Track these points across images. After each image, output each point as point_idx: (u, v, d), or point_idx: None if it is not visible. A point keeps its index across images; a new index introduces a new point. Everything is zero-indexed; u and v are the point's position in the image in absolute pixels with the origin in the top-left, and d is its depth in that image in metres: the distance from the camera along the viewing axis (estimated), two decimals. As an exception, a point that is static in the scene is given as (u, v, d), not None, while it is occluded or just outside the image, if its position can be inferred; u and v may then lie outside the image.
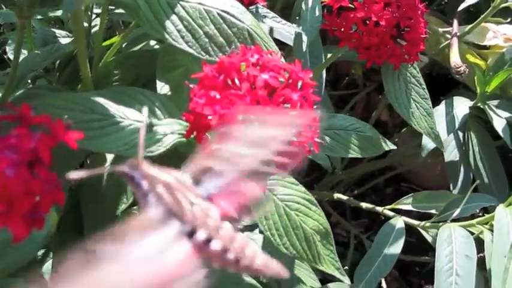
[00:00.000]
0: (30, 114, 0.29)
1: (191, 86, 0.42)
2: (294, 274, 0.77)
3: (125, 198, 0.57)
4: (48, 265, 0.57)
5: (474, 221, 0.71)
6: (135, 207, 0.58)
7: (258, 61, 0.37)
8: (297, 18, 0.76)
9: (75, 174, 0.28)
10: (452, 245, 0.67)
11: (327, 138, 0.66)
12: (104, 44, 0.70)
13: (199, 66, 0.52)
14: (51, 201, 0.27)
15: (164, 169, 0.31)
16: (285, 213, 0.45)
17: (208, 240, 0.30)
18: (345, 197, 0.92)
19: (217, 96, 0.36)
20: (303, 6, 0.74)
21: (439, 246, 0.68)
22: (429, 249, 1.20)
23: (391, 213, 0.82)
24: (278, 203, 0.46)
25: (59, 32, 0.80)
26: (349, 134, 0.71)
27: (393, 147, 0.75)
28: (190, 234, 0.30)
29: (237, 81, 0.36)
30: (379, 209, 0.85)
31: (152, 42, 0.74)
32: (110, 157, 0.57)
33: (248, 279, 0.76)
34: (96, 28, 0.72)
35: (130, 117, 0.43)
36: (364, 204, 0.88)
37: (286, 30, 0.60)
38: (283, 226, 0.45)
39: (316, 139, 0.37)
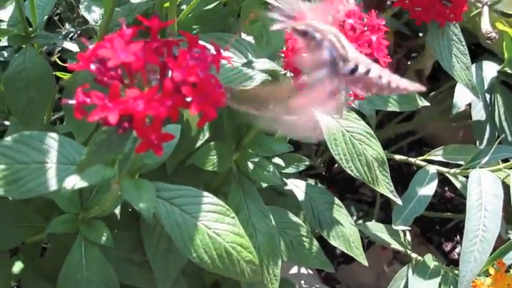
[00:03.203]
0: (195, 39, 0.39)
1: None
2: (333, 216, 0.86)
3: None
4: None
5: (501, 166, 0.80)
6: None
7: (344, 10, 0.46)
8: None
9: None
10: (481, 186, 0.75)
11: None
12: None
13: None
14: (221, 98, 0.37)
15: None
16: (350, 141, 0.55)
17: (367, 72, 0.42)
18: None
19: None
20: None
21: (470, 186, 0.76)
22: (450, 209, 1.29)
23: (423, 163, 0.91)
24: (345, 133, 0.55)
25: (128, -11, 0.88)
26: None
27: (427, 103, 0.83)
28: (353, 70, 0.42)
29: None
30: (411, 159, 0.93)
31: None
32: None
33: (295, 218, 0.85)
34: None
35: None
36: (397, 156, 0.97)
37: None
38: (349, 152, 0.54)
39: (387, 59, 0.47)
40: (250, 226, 0.67)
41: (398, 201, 0.60)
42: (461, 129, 1.26)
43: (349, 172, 0.56)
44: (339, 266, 1.18)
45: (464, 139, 1.26)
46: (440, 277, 0.81)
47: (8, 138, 0.44)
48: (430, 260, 0.82)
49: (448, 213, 1.23)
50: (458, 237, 1.29)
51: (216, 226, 0.48)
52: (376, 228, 0.84)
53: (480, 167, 0.80)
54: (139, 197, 0.41)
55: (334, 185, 1.27)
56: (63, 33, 1.33)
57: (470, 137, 1.06)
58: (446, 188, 1.32)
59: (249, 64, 0.50)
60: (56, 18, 1.33)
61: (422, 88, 0.45)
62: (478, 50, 1.17)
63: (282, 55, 0.48)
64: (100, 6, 0.85)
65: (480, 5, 1.02)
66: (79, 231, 0.55)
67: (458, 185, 0.84)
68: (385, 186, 0.58)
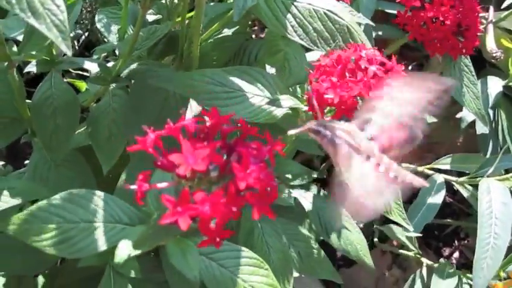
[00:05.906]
0: (248, 127, 0.41)
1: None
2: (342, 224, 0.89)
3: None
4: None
5: (509, 176, 0.82)
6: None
7: (367, 56, 0.49)
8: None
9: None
10: (490, 194, 0.78)
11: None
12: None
13: (292, 50, 0.63)
14: (276, 195, 0.38)
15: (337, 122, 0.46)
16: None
17: (378, 165, 0.46)
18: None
19: (336, 82, 0.47)
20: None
21: (480, 195, 0.79)
22: (448, 214, 1.32)
23: (430, 172, 0.94)
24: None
25: (146, 10, 0.89)
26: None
27: (434, 120, 0.85)
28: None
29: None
30: (419, 168, 0.96)
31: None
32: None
33: (303, 230, 0.87)
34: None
35: (252, 91, 0.55)
36: (404, 165, 0.99)
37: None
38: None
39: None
40: (264, 244, 0.70)
41: (410, 228, 0.63)
42: (461, 136, 1.29)
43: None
44: (340, 269, 1.21)
45: (464, 145, 1.29)
46: (457, 277, 0.86)
47: (56, 197, 0.45)
48: (446, 265, 0.86)
49: (448, 220, 1.25)
50: (456, 242, 1.31)
51: (252, 279, 0.50)
52: (396, 230, 0.88)
53: (487, 177, 0.83)
54: (186, 263, 0.43)
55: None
56: (72, 35, 1.35)
57: (470, 140, 1.08)
58: (446, 194, 1.35)
59: (274, 102, 0.52)
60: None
61: (426, 184, 0.48)
62: (479, 59, 1.19)
63: (305, 97, 0.51)
64: (116, 22, 0.86)
65: (485, 22, 1.05)
66: (109, 262, 0.55)
67: (465, 194, 0.87)
68: (397, 214, 0.60)
